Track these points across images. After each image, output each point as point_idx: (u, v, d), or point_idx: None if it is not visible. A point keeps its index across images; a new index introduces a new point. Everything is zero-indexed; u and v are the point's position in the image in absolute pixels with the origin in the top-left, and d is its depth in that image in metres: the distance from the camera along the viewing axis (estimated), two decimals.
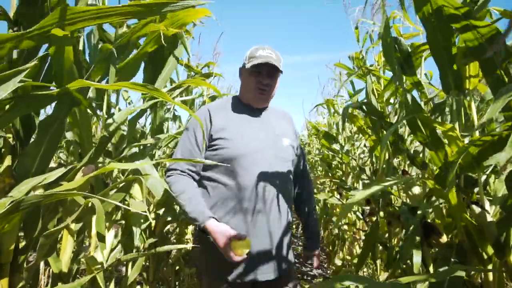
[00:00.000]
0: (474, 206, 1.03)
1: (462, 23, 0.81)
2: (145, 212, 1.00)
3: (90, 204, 0.93)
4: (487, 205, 1.08)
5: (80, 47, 1.29)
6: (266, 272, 1.26)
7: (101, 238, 0.96)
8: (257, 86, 1.36)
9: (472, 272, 1.19)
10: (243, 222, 1.24)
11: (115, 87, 0.79)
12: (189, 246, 1.14)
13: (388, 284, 0.89)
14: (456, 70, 0.94)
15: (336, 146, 3.11)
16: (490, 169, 1.08)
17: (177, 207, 1.91)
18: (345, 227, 3.30)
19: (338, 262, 3.47)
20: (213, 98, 2.48)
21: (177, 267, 2.46)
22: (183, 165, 1.31)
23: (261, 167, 1.29)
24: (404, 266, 1.44)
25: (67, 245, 1.09)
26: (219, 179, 1.29)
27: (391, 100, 1.88)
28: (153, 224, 1.81)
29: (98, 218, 0.86)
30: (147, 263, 1.99)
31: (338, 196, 3.05)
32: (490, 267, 1.03)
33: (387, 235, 1.92)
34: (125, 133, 1.42)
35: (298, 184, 1.54)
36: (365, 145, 2.93)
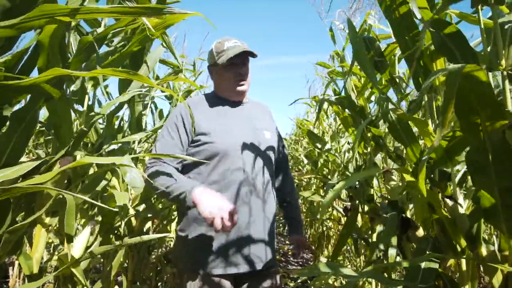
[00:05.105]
0: (447, 200, 1.05)
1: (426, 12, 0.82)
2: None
3: (61, 197, 0.90)
4: (460, 198, 1.10)
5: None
6: (247, 264, 1.25)
7: (70, 233, 0.93)
8: (236, 79, 1.35)
9: (448, 264, 1.22)
10: None
11: (93, 74, 0.77)
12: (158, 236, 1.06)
13: (360, 273, 0.91)
14: (424, 67, 0.95)
15: (319, 144, 3.14)
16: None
17: (160, 200, 1.85)
18: (330, 224, 3.32)
19: (324, 259, 3.49)
20: (188, 93, 2.47)
21: (158, 267, 2.42)
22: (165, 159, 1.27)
23: (244, 161, 1.28)
24: (385, 262, 1.46)
25: (40, 241, 1.03)
26: (204, 175, 1.27)
27: (372, 98, 1.90)
28: (133, 221, 1.78)
29: (68, 212, 0.84)
30: (126, 264, 1.96)
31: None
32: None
33: (370, 231, 1.94)
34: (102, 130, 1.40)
35: (279, 178, 1.55)
36: (348, 143, 2.96)
